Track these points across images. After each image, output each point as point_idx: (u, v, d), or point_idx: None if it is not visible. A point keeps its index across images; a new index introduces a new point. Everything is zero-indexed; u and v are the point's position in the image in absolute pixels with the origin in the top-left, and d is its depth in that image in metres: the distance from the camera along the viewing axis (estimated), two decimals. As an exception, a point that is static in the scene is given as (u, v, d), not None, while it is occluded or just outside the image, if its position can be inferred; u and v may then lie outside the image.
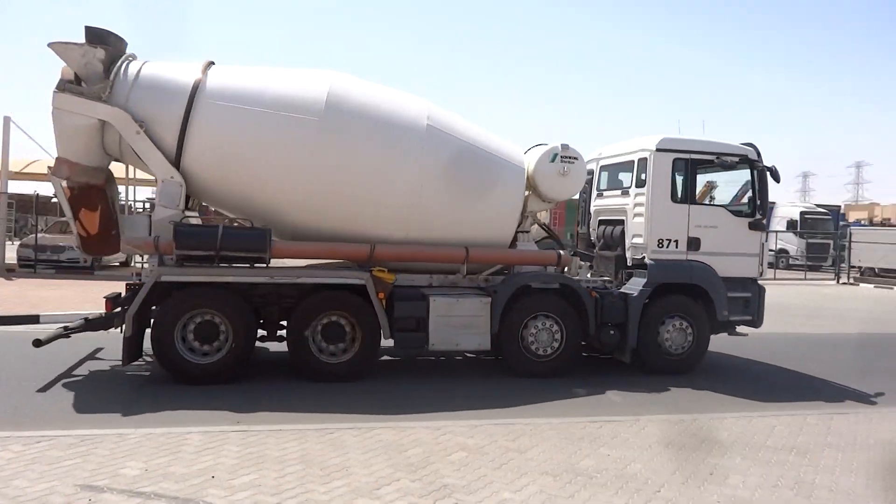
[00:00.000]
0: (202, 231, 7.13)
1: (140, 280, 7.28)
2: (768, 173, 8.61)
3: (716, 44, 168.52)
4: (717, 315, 8.54)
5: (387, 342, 7.68)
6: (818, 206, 43.62)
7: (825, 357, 10.50)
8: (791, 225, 37.68)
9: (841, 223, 43.62)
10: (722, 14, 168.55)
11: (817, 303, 19.03)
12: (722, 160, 8.55)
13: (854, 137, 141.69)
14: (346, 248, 7.50)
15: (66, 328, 7.29)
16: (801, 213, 38.04)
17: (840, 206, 60.79)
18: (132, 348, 7.14)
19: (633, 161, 8.78)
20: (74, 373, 7.59)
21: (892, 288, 26.55)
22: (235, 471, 4.72)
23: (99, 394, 6.79)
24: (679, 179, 8.59)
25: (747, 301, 8.74)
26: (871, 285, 27.95)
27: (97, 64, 7.04)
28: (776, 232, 37.16)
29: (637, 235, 8.67)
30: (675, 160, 8.49)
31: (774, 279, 28.66)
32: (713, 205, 8.88)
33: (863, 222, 52.71)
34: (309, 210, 7.35)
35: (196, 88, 7.12)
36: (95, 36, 7.07)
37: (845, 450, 5.78)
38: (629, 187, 8.88)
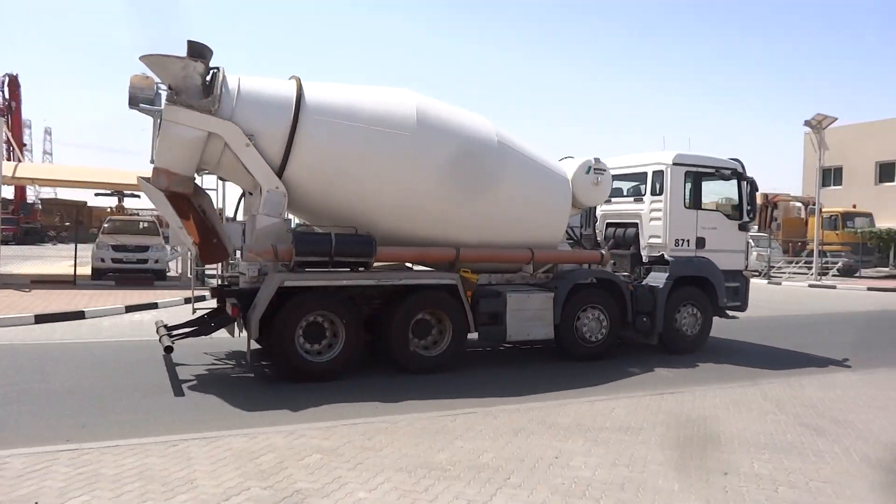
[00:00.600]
0: (320, 238, 7.65)
1: (225, 286, 8.31)
2: (749, 183, 10.41)
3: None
4: (718, 302, 10.23)
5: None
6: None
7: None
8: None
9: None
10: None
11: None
12: (721, 173, 10.32)
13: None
14: (435, 252, 8.44)
15: (194, 329, 7.99)
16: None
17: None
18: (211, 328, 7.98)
19: (646, 172, 10.30)
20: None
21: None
22: (64, 494, 4.32)
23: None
24: (688, 188, 10.19)
25: (737, 290, 10.54)
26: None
27: (196, 77, 7.34)
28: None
29: (654, 236, 10.22)
30: (686, 172, 10.15)
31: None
32: (713, 210, 10.66)
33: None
34: (401, 217, 8.13)
35: (299, 104, 7.57)
36: (195, 50, 7.30)
37: (673, 426, 6.37)
38: (643, 195, 10.40)
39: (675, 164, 10.13)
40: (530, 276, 9.26)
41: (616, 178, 10.48)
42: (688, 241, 10.22)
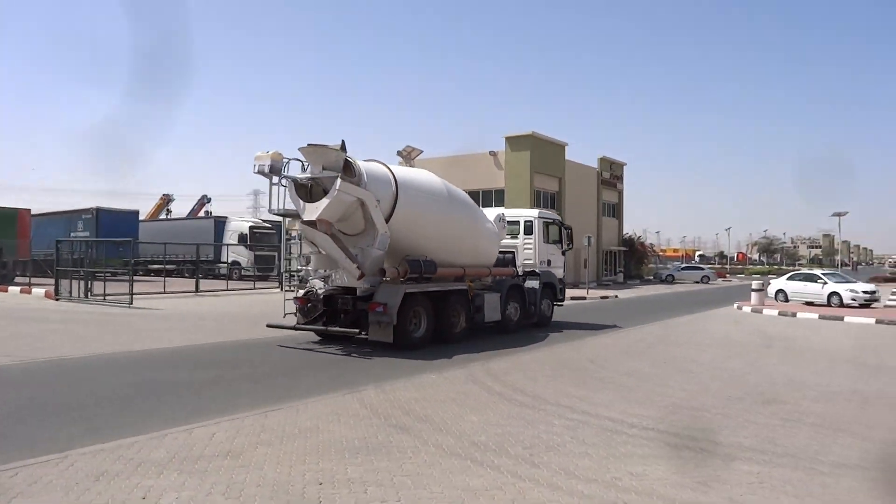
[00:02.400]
0: (420, 262, 13.28)
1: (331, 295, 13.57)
2: (568, 229, 19.53)
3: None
4: (557, 296, 18.49)
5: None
6: (265, 221, 47.70)
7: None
8: (242, 239, 40.29)
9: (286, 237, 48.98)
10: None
11: (261, 310, 20.83)
12: (556, 222, 19.08)
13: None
14: (456, 271, 14.35)
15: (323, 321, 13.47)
16: (251, 228, 41.15)
17: (284, 221, 68.49)
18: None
19: (520, 221, 18.32)
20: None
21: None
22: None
23: None
24: (544, 232, 18.46)
25: (562, 289, 18.88)
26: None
27: (341, 162, 12.29)
28: (228, 245, 39.27)
29: (527, 259, 17.98)
30: (543, 222, 18.45)
31: (227, 290, 30.21)
32: (552, 243, 18.79)
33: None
34: (439, 249, 13.90)
35: (396, 182, 12.90)
36: (343, 146, 12.20)
37: (275, 444, 6.39)
38: (518, 234, 18.21)
39: (538, 217, 18.54)
40: (487, 282, 15.89)
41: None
42: (544, 262, 18.32)
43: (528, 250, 18.32)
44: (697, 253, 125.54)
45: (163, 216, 66.70)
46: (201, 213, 66.60)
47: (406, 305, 12.69)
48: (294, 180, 12.72)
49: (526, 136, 43.08)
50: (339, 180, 12.02)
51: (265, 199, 14.69)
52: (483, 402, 8.37)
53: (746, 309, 25.01)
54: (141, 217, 43.64)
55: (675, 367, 11.71)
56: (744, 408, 8.40)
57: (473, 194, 45.12)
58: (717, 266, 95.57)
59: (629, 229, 58.59)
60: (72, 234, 34.55)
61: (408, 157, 31.23)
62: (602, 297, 32.20)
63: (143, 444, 6.24)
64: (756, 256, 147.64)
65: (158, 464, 5.68)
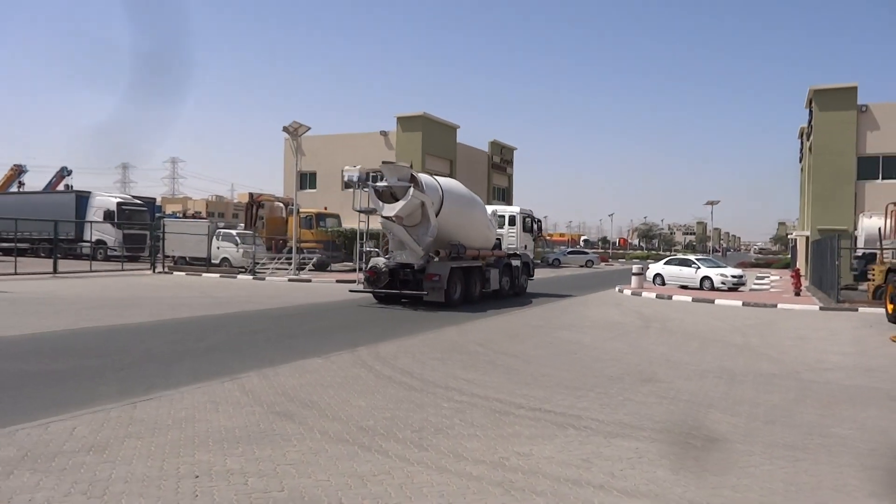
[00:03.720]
0: (458, 246, 19.78)
1: (394, 268, 19.71)
2: (538, 221, 27.04)
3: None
4: (531, 272, 25.28)
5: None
6: (136, 197, 44.90)
7: (136, 347, 10.89)
8: (108, 216, 37.69)
9: (158, 214, 46.45)
10: None
11: (131, 293, 19.62)
12: (531, 216, 25.87)
13: (170, 135, 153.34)
14: (474, 252, 20.74)
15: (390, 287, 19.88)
16: (119, 205, 38.50)
17: (156, 199, 64.82)
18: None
19: (506, 215, 25.07)
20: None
21: (200, 275, 29.75)
22: None
23: None
24: (522, 223, 25.09)
25: (533, 268, 25.92)
26: (184, 273, 30.66)
27: (409, 175, 18.77)
28: (91, 222, 36.61)
29: (511, 244, 24.61)
30: (523, 217, 25.12)
31: (91, 271, 28.22)
32: (527, 231, 25.42)
33: (178, 214, 57.55)
34: (465, 237, 20.39)
35: (441, 189, 19.42)
36: (411, 164, 19.51)
37: (145, 436, 6.03)
38: (503, 225, 24.88)
39: (519, 212, 25.18)
40: (490, 260, 22.05)
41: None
42: (523, 246, 25.10)
43: (512, 238, 25.39)
44: (582, 238, 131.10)
45: (14, 189, 61.21)
46: (60, 187, 61.71)
47: (452, 276, 19.49)
48: (376, 188, 19.47)
49: (417, 117, 43.11)
50: (412, 189, 18.68)
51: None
52: (371, 387, 8.33)
53: (627, 292, 26.42)
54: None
55: (559, 348, 12.18)
56: (624, 387, 8.88)
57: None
58: (600, 251, 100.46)
59: (518, 213, 60.19)
60: None
61: (294, 133, 30.31)
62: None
63: (-10, 441, 5.71)
64: (636, 242, 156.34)
65: (7, 463, 5.21)
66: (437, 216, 19.30)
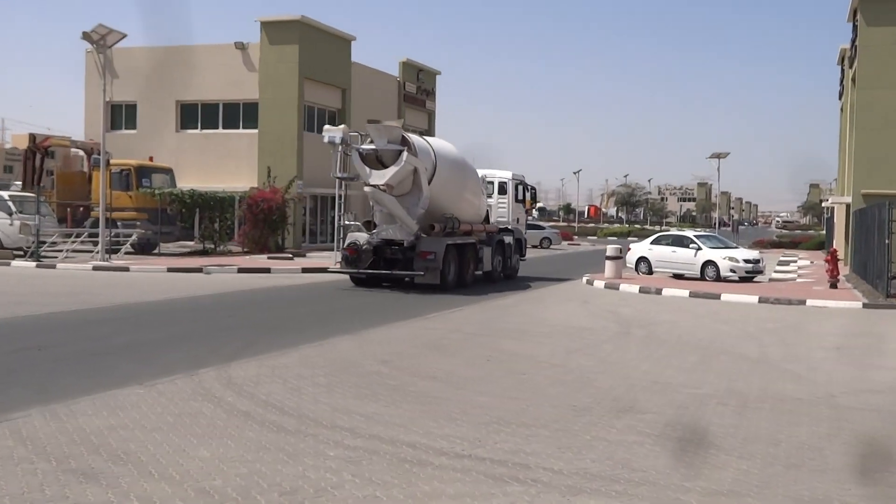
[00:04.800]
0: (450, 219, 24.70)
1: (379, 245, 24.02)
2: (532, 189, 34.17)
3: None
4: (522, 251, 31.47)
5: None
6: None
7: None
8: None
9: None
10: None
11: None
12: (523, 183, 32.09)
13: None
14: (466, 227, 26.05)
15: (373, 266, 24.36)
16: None
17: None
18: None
19: (494, 182, 30.43)
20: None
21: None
22: None
23: None
24: (515, 192, 31.03)
25: (524, 245, 32.53)
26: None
27: (400, 137, 23.21)
28: None
29: (501, 217, 30.08)
30: (515, 183, 31.09)
31: None
32: (518, 202, 31.19)
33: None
34: (458, 209, 25.63)
35: (436, 154, 24.58)
36: (399, 121, 27.79)
37: None
38: (492, 194, 30.04)
39: (512, 178, 30.70)
40: (482, 236, 26.91)
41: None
42: (516, 219, 30.63)
43: (502, 209, 30.13)
44: (536, 206, 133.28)
45: None
46: None
47: (446, 255, 23.36)
48: (360, 151, 23.66)
49: (292, 23, 42.58)
50: (405, 153, 22.76)
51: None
52: (219, 428, 8.21)
53: (599, 284, 27.05)
54: None
55: (501, 366, 12.31)
56: (592, 421, 9.06)
57: (210, 108, 44.37)
58: (561, 224, 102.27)
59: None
60: None
61: (100, 43, 29.19)
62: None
63: None
64: (613, 211, 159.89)
65: None
66: (429, 184, 23.71)
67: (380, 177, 22.81)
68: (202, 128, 44.40)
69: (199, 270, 28.36)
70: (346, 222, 26.35)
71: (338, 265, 26.09)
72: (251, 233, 37.56)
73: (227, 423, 8.49)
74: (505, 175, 30.77)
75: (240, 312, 18.90)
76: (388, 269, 23.91)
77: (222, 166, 42.54)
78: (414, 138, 23.65)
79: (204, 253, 35.73)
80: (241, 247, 37.77)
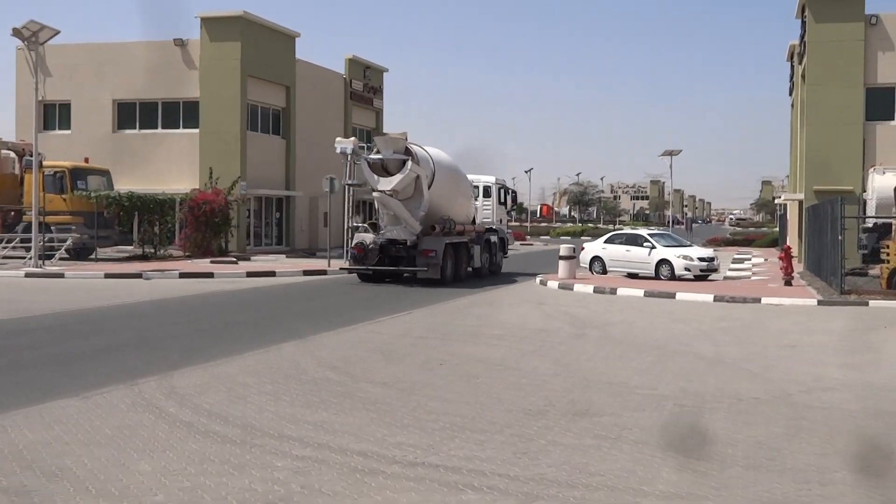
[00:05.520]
0: (447, 220, 28.87)
1: (384, 244, 27.95)
2: (513, 192, 40.59)
3: None
4: (505, 249, 36.33)
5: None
6: None
7: None
8: None
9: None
10: None
11: None
12: (505, 187, 38.02)
13: None
14: (460, 228, 30.07)
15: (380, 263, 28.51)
16: None
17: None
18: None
19: (480, 185, 35.49)
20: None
21: None
22: None
23: None
24: (498, 195, 36.60)
25: (507, 242, 37.63)
26: None
27: (404, 148, 27.43)
28: None
29: (486, 218, 34.86)
30: (498, 187, 36.79)
31: None
32: (501, 204, 36.79)
33: None
34: (452, 212, 29.69)
35: (434, 162, 28.80)
36: (406, 136, 27.99)
37: None
38: (477, 197, 34.60)
39: (495, 183, 36.40)
40: (472, 235, 30.98)
41: None
42: (499, 220, 36.05)
43: (487, 210, 34.80)
44: (515, 207, 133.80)
45: None
46: None
47: (445, 252, 27.03)
48: (368, 161, 27.50)
49: (234, 19, 42.28)
50: (409, 162, 26.61)
51: None
52: (161, 440, 8.11)
53: (552, 284, 27.23)
54: None
55: (454, 370, 12.31)
56: (547, 424, 9.08)
57: (149, 106, 43.84)
58: (513, 224, 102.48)
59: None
60: None
61: (32, 39, 28.68)
62: (351, 271, 32.87)
63: None
64: (566, 210, 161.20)
65: None
66: (429, 189, 27.71)
67: (387, 183, 26.68)
68: (140, 128, 43.85)
69: (138, 276, 28.00)
70: (355, 224, 31.53)
71: (347, 262, 29.81)
72: (193, 236, 37.18)
73: (169, 434, 8.38)
74: (489, 179, 36.05)
75: (181, 319, 18.70)
76: (393, 266, 27.71)
77: (162, 167, 42.07)
78: (416, 148, 27.61)
79: (143, 258, 35.28)
80: (182, 251, 37.39)
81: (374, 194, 27.66)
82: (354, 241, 28.13)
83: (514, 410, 9.77)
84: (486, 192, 35.32)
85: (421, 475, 7.21)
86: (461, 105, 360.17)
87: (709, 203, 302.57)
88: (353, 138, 32.87)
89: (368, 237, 27.74)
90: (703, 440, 8.61)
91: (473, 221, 32.17)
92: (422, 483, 7.01)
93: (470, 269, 30.64)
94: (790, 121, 53.08)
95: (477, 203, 33.80)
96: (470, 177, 33.43)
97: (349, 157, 30.49)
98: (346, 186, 31.63)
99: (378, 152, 27.53)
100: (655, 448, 8.27)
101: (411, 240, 27.37)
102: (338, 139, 32.87)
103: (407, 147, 27.22)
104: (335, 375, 11.76)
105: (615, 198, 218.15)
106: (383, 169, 27.06)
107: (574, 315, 19.77)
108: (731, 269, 35.92)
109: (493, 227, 34.23)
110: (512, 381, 11.66)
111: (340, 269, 30.75)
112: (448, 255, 27.51)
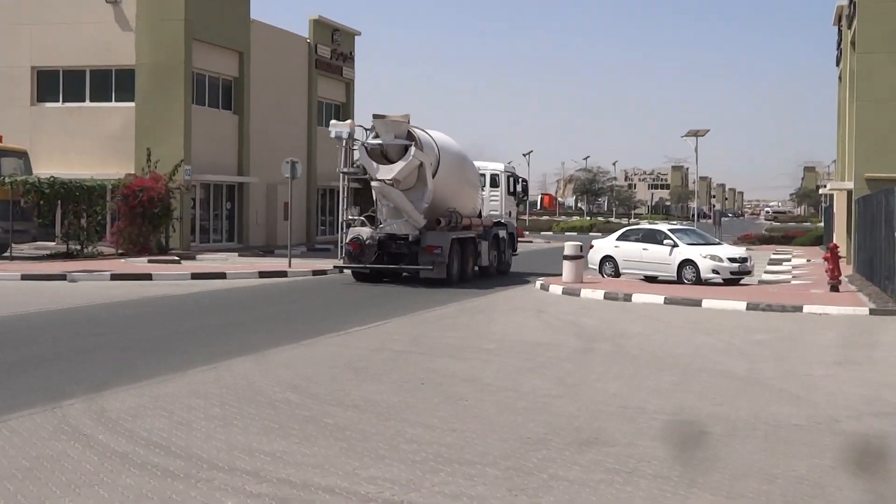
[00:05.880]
0: (453, 213, 30.06)
1: (382, 239, 29.40)
2: (524, 182, 43.01)
3: None
4: (514, 245, 38.72)
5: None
6: None
7: None
8: None
9: None
10: None
11: None
12: (514, 175, 39.90)
13: None
14: (466, 222, 31.69)
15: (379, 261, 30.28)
16: None
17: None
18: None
19: (486, 174, 37.30)
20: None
21: None
22: None
23: None
24: (507, 184, 38.35)
25: (516, 237, 40.99)
26: None
27: (405, 131, 28.91)
28: None
29: (493, 210, 36.49)
30: (507, 176, 38.53)
31: None
32: (510, 194, 38.54)
33: None
34: (458, 204, 31.37)
35: (439, 148, 30.33)
36: (406, 117, 29.40)
37: None
38: (484, 185, 36.41)
39: (504, 171, 38.15)
40: (479, 231, 32.79)
41: None
42: (508, 212, 37.79)
43: (494, 202, 35.98)
44: (527, 199, 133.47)
45: None
46: None
47: (451, 249, 27.99)
48: (366, 146, 28.33)
49: (177, -29, 41.97)
50: (412, 148, 27.53)
51: None
52: (89, 474, 8.10)
53: (556, 289, 27.26)
54: None
55: (438, 391, 12.29)
56: (549, 456, 9.06)
57: (74, 75, 43.59)
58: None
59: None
60: None
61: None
62: (315, 273, 32.89)
63: None
64: (571, 201, 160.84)
65: None
66: (433, 178, 28.66)
67: (387, 171, 27.76)
68: (64, 101, 43.76)
69: (61, 278, 27.99)
70: (350, 217, 30.94)
71: (342, 260, 30.79)
72: (127, 230, 37.13)
73: (98, 467, 8.34)
74: (497, 167, 37.53)
75: (113, 330, 18.63)
76: (393, 264, 29.02)
77: (90, 148, 42.03)
78: (419, 133, 28.73)
79: (68, 256, 35.25)
80: (114, 248, 37.34)
81: (374, 184, 28.46)
82: (349, 236, 28.79)
83: (509, 439, 9.75)
84: (494, 182, 36.70)
85: (399, 516, 7.19)
86: (447, 75, 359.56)
87: (741, 193, 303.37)
88: (349, 121, 33.59)
89: (365, 232, 28.43)
90: (734, 475, 8.60)
91: (480, 214, 33.33)
92: (400, 525, 7.00)
93: (476, 267, 31.76)
94: (837, 96, 53.21)
95: (483, 193, 35.01)
96: (476, 164, 34.83)
97: (345, 142, 31.33)
98: (341, 175, 32.18)
99: (377, 136, 28.18)
100: (678, 484, 8.27)
101: (413, 235, 28.30)
102: (332, 122, 34.25)
103: (409, 131, 28.16)
104: (297, 397, 11.72)
105: (630, 186, 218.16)
106: (382, 155, 27.98)
107: (581, 325, 19.78)
108: (766, 272, 36.00)
109: (502, 221, 35.50)
110: (506, 403, 11.64)
111: (334, 266, 32.11)
112: (454, 251, 28.55)
